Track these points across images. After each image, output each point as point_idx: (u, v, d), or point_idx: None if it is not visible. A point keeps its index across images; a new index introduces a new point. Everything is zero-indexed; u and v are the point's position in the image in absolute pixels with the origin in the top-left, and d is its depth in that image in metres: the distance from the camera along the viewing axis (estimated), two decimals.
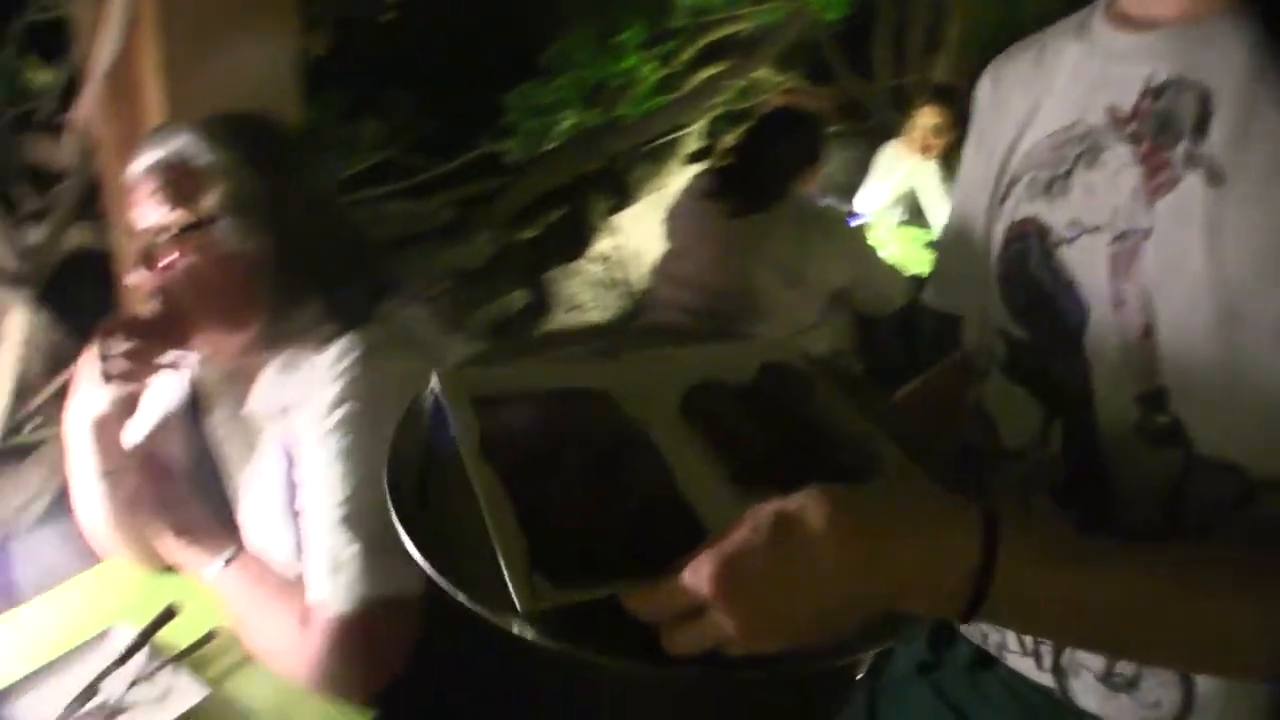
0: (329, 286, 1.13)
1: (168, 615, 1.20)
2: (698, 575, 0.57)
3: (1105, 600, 0.61)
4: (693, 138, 4.26)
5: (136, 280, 1.12)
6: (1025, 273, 0.82)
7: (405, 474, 0.74)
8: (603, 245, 3.93)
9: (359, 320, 1.12)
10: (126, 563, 1.30)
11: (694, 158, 4.29)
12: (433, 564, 0.64)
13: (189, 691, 1.13)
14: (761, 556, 0.57)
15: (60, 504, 1.83)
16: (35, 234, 1.93)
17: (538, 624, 0.60)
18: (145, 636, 1.18)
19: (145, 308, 1.12)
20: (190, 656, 1.17)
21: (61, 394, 1.93)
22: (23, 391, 1.82)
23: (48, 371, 1.90)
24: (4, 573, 1.41)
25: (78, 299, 1.90)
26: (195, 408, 1.26)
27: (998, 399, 0.89)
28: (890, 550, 0.58)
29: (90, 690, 1.12)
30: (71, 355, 1.94)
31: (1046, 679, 0.86)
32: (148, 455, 1.24)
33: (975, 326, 0.95)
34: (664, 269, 2.61)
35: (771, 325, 2.37)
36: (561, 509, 0.68)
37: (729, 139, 3.02)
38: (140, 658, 1.16)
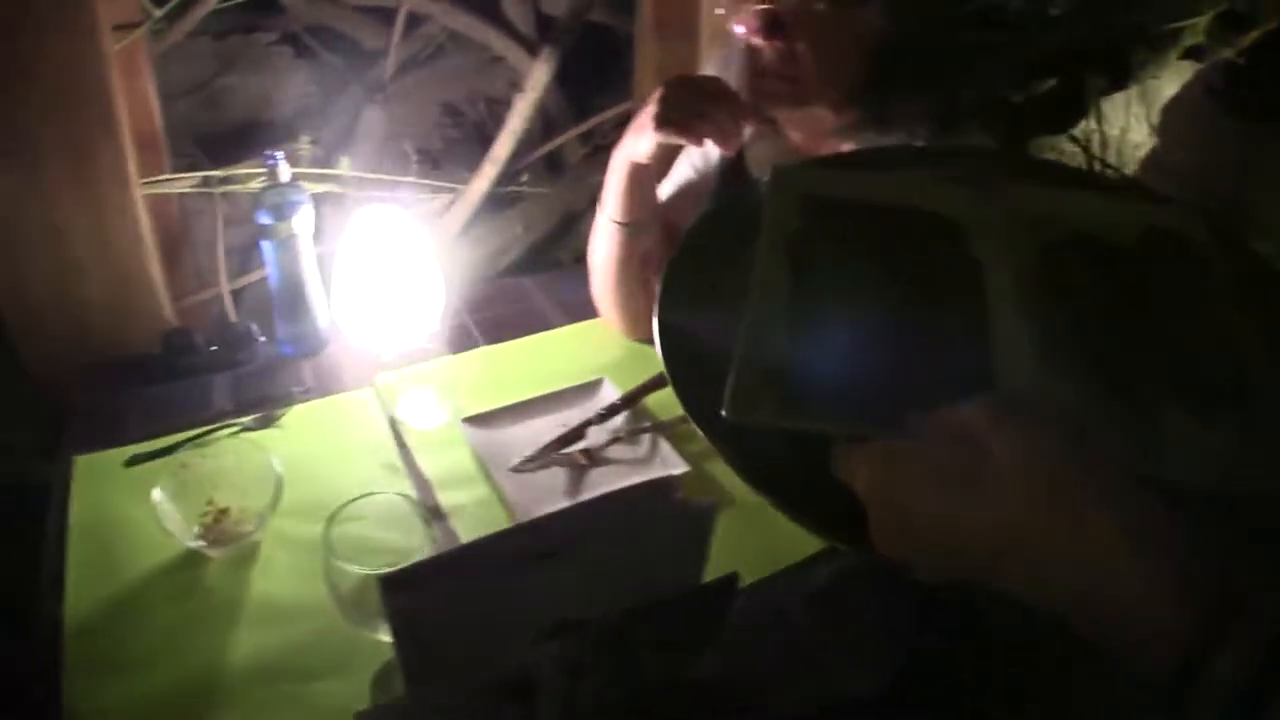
0: (939, 91, 1.07)
1: (660, 382, 1.18)
2: (855, 465, 0.53)
3: None
4: (1194, 32, 3.84)
5: (755, 44, 1.02)
6: None
7: (706, 250, 0.72)
8: (1081, 126, 3.69)
9: (949, 131, 1.05)
10: (613, 326, 1.32)
11: (1187, 54, 3.89)
12: (673, 353, 0.62)
13: (669, 461, 1.11)
14: (920, 469, 0.50)
15: (534, 259, 1.96)
16: (555, 5, 2.00)
17: (731, 441, 0.57)
18: (634, 396, 1.18)
19: (756, 65, 1.03)
20: (676, 429, 1.15)
21: (549, 159, 2.03)
22: (523, 147, 1.91)
23: (547, 134, 1.98)
24: (484, 309, 1.48)
25: (588, 71, 1.97)
26: (734, 181, 1.20)
27: None
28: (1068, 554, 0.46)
29: (577, 433, 1.14)
30: (572, 122, 2.03)
31: None
32: (670, 218, 1.22)
33: None
34: (1155, 159, 2.39)
35: (1265, 243, 2.11)
36: (843, 333, 0.62)
37: (1247, 38, 2.65)
38: (625, 417, 1.17)
